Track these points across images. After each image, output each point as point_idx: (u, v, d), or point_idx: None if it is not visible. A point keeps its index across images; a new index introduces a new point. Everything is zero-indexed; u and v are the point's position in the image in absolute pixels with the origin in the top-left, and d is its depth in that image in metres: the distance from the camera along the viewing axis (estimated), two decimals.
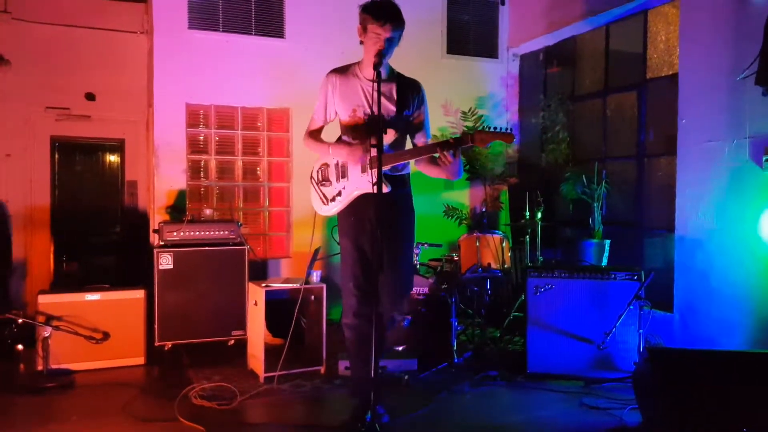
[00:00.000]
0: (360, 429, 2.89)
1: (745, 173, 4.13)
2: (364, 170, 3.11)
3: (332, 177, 3.25)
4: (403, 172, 3.23)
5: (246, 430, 3.29)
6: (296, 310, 4.00)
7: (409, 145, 3.29)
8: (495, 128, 2.93)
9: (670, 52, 5.20)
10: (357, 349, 3.19)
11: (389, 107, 3.13)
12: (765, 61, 3.82)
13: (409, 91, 3.18)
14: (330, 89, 3.23)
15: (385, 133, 3.10)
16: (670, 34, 5.20)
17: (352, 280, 3.19)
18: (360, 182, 3.14)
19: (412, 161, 3.21)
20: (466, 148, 2.99)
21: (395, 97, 3.15)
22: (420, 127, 3.24)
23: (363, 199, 3.15)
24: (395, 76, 3.21)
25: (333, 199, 3.25)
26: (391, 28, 3.01)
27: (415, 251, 4.58)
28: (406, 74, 3.29)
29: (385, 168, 3.03)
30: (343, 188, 3.20)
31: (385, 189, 3.00)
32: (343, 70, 3.23)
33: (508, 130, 2.94)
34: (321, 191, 3.31)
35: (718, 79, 4.32)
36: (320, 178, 3.31)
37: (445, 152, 2.93)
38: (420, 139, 3.26)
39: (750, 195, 4.11)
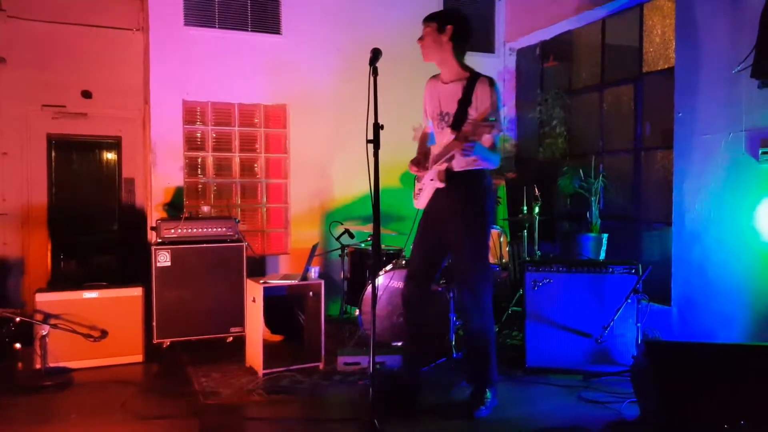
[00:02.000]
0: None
1: (742, 166, 4.14)
2: (429, 168, 3.42)
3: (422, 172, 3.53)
4: (467, 168, 3.33)
5: (245, 426, 3.29)
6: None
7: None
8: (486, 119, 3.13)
9: (666, 45, 5.19)
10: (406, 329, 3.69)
11: (453, 105, 3.31)
12: (761, 53, 3.82)
13: (476, 89, 3.28)
14: (425, 95, 3.55)
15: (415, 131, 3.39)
16: (666, 27, 5.19)
17: (410, 265, 3.62)
18: (426, 180, 3.46)
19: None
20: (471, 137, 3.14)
21: (460, 95, 3.30)
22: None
23: (436, 194, 3.44)
24: (467, 76, 3.34)
25: (418, 194, 3.55)
26: (429, 24, 3.36)
27: None
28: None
29: (444, 165, 3.30)
30: (424, 185, 3.51)
31: (441, 185, 3.36)
32: (434, 77, 3.51)
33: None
34: (416, 187, 3.60)
35: (714, 72, 4.32)
36: (417, 175, 3.59)
37: (461, 144, 3.12)
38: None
39: (747, 188, 4.11)
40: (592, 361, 4.05)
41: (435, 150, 3.45)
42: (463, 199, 3.35)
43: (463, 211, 3.35)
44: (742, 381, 2.91)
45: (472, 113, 3.25)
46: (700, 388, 2.91)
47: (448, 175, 3.34)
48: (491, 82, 3.29)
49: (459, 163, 3.32)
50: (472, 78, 3.31)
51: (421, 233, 3.53)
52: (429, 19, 3.37)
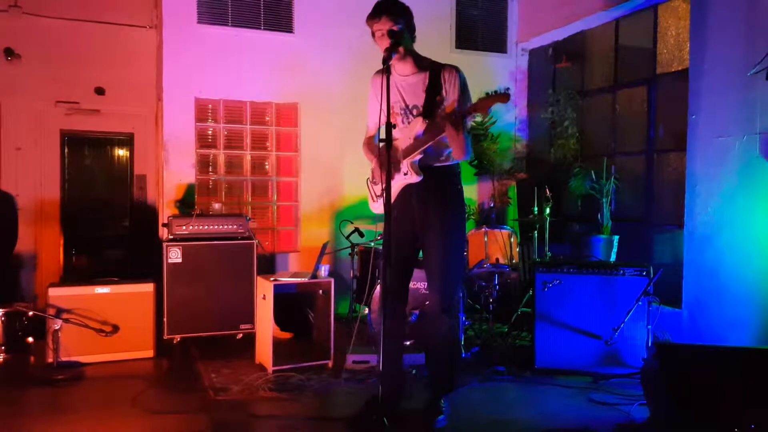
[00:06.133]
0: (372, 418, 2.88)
1: (756, 169, 4.10)
2: (399, 162, 3.14)
3: (378, 175, 3.27)
4: (445, 163, 3.18)
5: (254, 423, 3.30)
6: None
7: None
8: (495, 92, 2.93)
9: (680, 47, 5.16)
10: (382, 343, 3.11)
11: (420, 96, 3.14)
12: None
13: (443, 78, 3.13)
14: (374, 92, 3.25)
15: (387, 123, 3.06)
16: (680, 29, 5.16)
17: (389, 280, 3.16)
18: (398, 176, 3.16)
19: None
20: (468, 116, 3.02)
21: (427, 85, 3.14)
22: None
23: (407, 192, 3.16)
24: (428, 66, 3.17)
25: (380, 196, 3.21)
26: (387, 20, 3.02)
27: None
28: None
29: (417, 157, 3.07)
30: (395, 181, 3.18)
31: (417, 178, 3.07)
32: (382, 71, 3.25)
33: (506, 90, 2.93)
34: (372, 189, 3.34)
35: (728, 74, 4.28)
36: (372, 177, 3.35)
37: (455, 121, 2.91)
38: None
39: (760, 191, 4.08)
40: (601, 362, 4.04)
41: (403, 144, 3.15)
42: (442, 194, 3.16)
43: (444, 208, 3.15)
44: (753, 384, 2.90)
45: (442, 101, 3.10)
46: (710, 391, 2.89)
47: (423, 167, 3.10)
48: (457, 69, 3.16)
49: (432, 158, 3.14)
50: (436, 65, 3.17)
51: (397, 238, 3.11)
52: (395, 12, 3.04)
